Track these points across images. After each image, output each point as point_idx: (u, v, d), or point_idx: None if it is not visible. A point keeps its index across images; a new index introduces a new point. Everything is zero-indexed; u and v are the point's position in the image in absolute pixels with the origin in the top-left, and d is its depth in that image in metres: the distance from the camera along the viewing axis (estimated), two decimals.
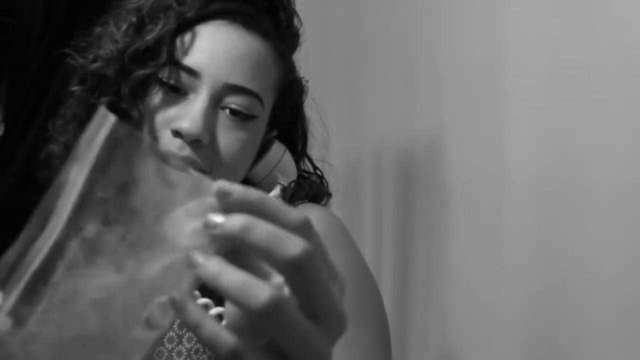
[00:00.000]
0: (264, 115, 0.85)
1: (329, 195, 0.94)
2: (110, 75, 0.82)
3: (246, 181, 0.88)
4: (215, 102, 0.81)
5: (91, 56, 0.84)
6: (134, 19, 0.83)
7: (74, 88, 0.85)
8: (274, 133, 0.90)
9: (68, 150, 0.84)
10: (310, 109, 0.93)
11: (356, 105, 1.38)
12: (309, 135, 0.94)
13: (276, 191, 0.86)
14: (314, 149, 0.95)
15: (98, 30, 0.86)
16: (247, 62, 0.82)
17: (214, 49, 0.82)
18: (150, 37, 0.81)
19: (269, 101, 0.85)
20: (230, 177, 0.82)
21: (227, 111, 0.81)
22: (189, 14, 0.82)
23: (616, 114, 0.94)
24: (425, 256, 1.24)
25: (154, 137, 0.81)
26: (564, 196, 1.01)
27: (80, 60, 0.85)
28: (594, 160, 0.96)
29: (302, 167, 0.94)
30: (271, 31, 0.85)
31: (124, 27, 0.83)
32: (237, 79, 0.81)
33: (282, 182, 0.88)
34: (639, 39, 0.91)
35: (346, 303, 0.78)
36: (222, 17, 0.83)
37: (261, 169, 0.88)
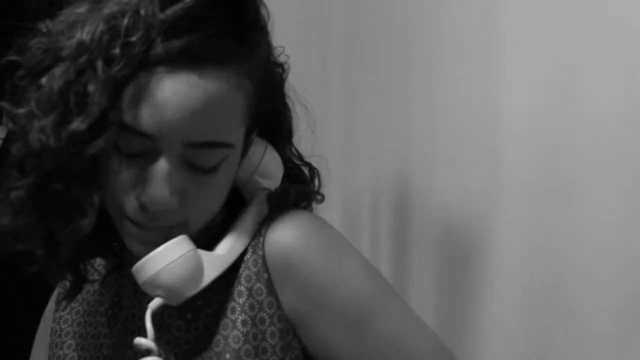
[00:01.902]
0: (236, 147, 0.76)
1: (320, 196, 0.89)
2: (48, 165, 0.70)
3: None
4: (178, 161, 0.72)
5: (21, 130, 0.71)
6: (57, 91, 0.69)
7: (16, 184, 0.72)
8: (255, 134, 0.82)
9: (24, 236, 0.74)
10: (294, 101, 0.87)
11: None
12: (296, 128, 0.88)
13: (261, 198, 0.82)
14: (302, 140, 0.90)
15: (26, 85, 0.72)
16: (204, 113, 0.70)
17: (163, 107, 0.69)
18: (82, 126, 0.68)
19: (240, 131, 0.76)
20: (207, 219, 0.77)
21: (193, 167, 0.73)
22: (125, 72, 0.68)
23: (612, 114, 0.93)
24: (421, 259, 1.23)
25: (122, 206, 0.73)
26: (559, 197, 1.00)
27: (11, 125, 0.72)
28: (590, 160, 0.96)
29: (291, 158, 0.88)
30: (230, 55, 0.72)
31: (48, 108, 0.69)
32: (197, 136, 0.71)
33: (267, 187, 0.83)
34: (635, 38, 0.90)
35: (352, 304, 0.76)
36: (165, 63, 0.69)
37: (242, 171, 0.82)
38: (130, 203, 0.73)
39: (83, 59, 0.69)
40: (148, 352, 0.74)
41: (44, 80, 0.70)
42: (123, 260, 0.84)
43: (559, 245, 1.00)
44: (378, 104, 1.30)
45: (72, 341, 0.87)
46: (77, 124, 0.68)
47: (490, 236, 1.10)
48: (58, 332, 0.89)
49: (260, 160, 0.82)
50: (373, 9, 1.30)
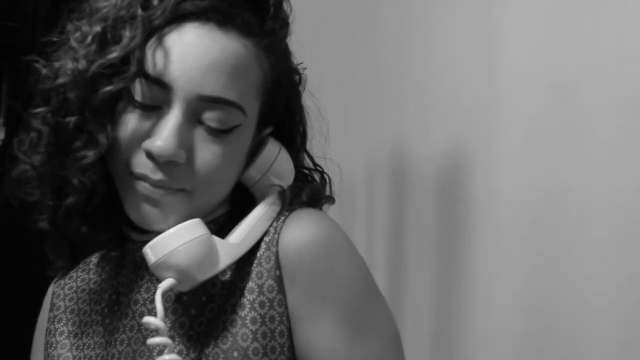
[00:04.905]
0: (248, 121, 0.79)
1: (331, 198, 0.89)
2: (73, 96, 0.75)
3: (239, 185, 0.84)
4: (191, 116, 0.75)
5: (56, 66, 0.77)
6: (98, 29, 0.75)
7: (37, 110, 0.77)
8: (268, 130, 0.84)
9: (38, 172, 0.78)
10: (307, 99, 0.88)
11: (349, 112, 1.36)
12: (308, 129, 0.89)
13: (274, 196, 0.82)
14: (314, 141, 0.90)
15: (69, 27, 0.79)
16: (222, 68, 0.75)
17: (184, 57, 0.74)
18: (116, 54, 0.74)
19: (253, 105, 0.79)
20: (213, 194, 0.79)
21: (204, 125, 0.75)
22: (158, 21, 0.75)
23: (610, 121, 0.93)
24: (418, 263, 1.23)
25: (128, 159, 0.76)
26: (559, 204, 1.00)
27: (44, 71, 0.77)
28: (589, 166, 0.96)
29: (303, 163, 0.89)
30: (252, 26, 0.77)
31: (87, 41, 0.75)
32: (211, 90, 0.74)
33: (280, 185, 0.83)
34: (634, 43, 0.90)
35: (350, 313, 0.76)
36: (192, 18, 0.75)
37: (255, 170, 0.83)
38: (138, 155, 0.75)
39: (124, 3, 0.76)
40: (156, 331, 0.73)
41: (82, 23, 0.77)
42: (125, 254, 0.84)
43: (560, 253, 1.00)
44: (373, 110, 1.30)
45: (66, 341, 0.86)
46: (108, 57, 0.74)
47: (488, 242, 1.09)
48: (52, 332, 0.88)
49: (274, 160, 0.83)
50: (368, 10, 1.30)
